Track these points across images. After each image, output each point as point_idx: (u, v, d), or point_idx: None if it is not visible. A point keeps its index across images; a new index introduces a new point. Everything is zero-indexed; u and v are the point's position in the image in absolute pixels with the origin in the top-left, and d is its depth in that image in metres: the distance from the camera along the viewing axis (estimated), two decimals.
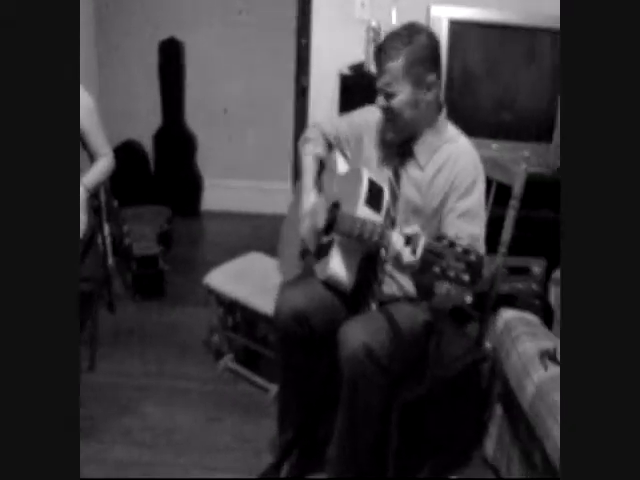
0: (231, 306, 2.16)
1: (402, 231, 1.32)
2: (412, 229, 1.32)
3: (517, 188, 1.71)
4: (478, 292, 1.78)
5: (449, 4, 2.24)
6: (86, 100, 2.02)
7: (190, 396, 2.09)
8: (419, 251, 1.24)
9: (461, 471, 1.82)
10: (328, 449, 1.69)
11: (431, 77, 1.48)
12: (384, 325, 1.49)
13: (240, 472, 1.78)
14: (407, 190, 1.56)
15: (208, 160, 3.58)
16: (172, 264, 2.85)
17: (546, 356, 1.55)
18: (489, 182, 1.76)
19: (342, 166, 1.71)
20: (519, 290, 2.21)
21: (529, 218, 2.25)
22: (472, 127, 2.23)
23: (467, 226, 1.47)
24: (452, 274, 1.20)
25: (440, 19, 2.20)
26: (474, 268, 1.18)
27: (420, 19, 1.70)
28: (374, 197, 1.52)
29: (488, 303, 1.74)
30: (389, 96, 1.49)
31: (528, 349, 1.60)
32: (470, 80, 2.32)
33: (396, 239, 1.33)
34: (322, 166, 1.78)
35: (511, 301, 2.13)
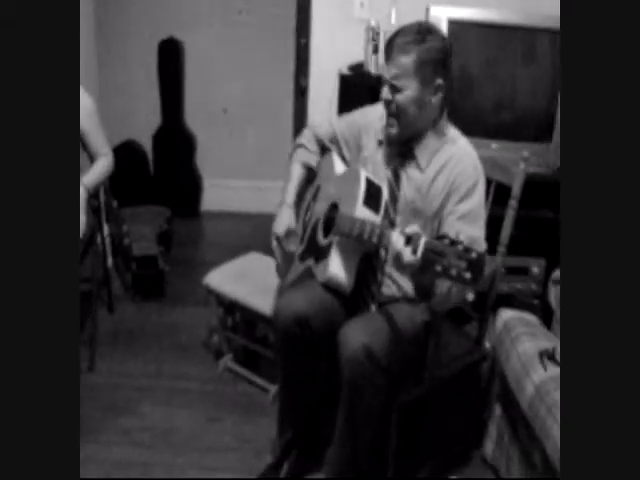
0: (231, 306, 2.16)
1: (402, 231, 1.32)
2: (412, 229, 1.31)
3: (516, 188, 1.71)
4: (478, 292, 1.78)
5: (448, 4, 2.24)
6: (86, 101, 2.02)
7: (190, 396, 2.09)
8: (420, 250, 1.24)
9: (460, 471, 1.82)
10: (327, 449, 1.69)
11: (439, 81, 1.47)
12: (384, 326, 1.49)
13: (239, 472, 1.78)
14: (407, 191, 1.56)
15: (207, 160, 3.58)
16: (172, 264, 2.85)
17: (545, 356, 1.55)
18: (488, 182, 1.76)
19: (339, 167, 1.70)
20: (518, 290, 2.21)
21: (529, 218, 2.25)
22: (472, 127, 2.24)
23: (467, 228, 1.47)
24: (454, 272, 1.19)
25: (439, 19, 2.20)
26: (476, 266, 1.18)
27: (419, 19, 1.70)
28: (372, 197, 1.51)
29: (487, 303, 1.74)
30: (395, 90, 1.47)
31: (527, 349, 1.60)
32: (469, 80, 2.32)
33: (396, 239, 1.32)
34: (312, 173, 1.78)
35: (510, 301, 2.13)
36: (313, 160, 1.77)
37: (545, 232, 2.30)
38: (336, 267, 1.53)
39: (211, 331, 2.31)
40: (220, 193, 3.60)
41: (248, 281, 2.10)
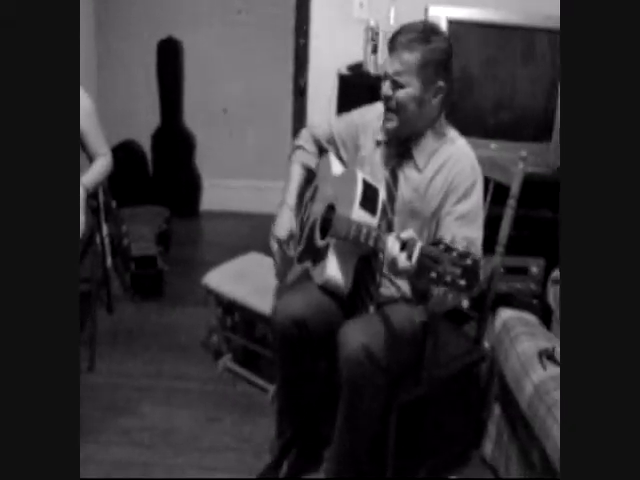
0: (230, 306, 2.16)
1: (398, 236, 1.31)
2: (407, 234, 1.30)
3: (515, 187, 1.71)
4: (476, 292, 1.78)
5: (447, 4, 2.24)
6: (85, 101, 2.02)
7: (189, 396, 2.09)
8: (415, 256, 1.23)
9: (459, 471, 1.82)
10: (327, 449, 1.69)
11: (440, 82, 1.47)
12: (382, 326, 1.48)
13: (239, 472, 1.78)
14: (404, 192, 1.55)
15: (207, 160, 3.58)
16: (171, 264, 2.85)
17: (544, 356, 1.55)
18: (487, 182, 1.77)
19: (337, 168, 1.70)
20: (517, 290, 2.21)
21: (528, 218, 2.25)
22: (471, 127, 2.24)
23: (464, 230, 1.46)
24: (448, 279, 1.18)
25: (438, 19, 2.19)
26: (470, 273, 1.17)
27: (419, 19, 1.70)
28: (369, 199, 1.51)
29: (486, 303, 1.74)
30: (396, 86, 1.46)
31: (527, 349, 1.60)
32: (469, 80, 2.32)
33: (392, 244, 1.31)
34: (312, 173, 1.78)
35: (509, 301, 2.13)
36: (312, 161, 1.77)
37: (544, 232, 2.30)
38: (333, 269, 1.53)
39: (210, 331, 2.31)
40: (219, 193, 3.59)
41: (247, 281, 2.10)
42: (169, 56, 3.39)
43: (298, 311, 1.54)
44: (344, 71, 2.43)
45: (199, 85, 3.47)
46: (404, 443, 1.71)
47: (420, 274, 1.22)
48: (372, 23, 2.41)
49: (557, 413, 1.38)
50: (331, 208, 1.61)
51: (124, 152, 3.34)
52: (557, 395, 1.42)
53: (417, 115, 1.49)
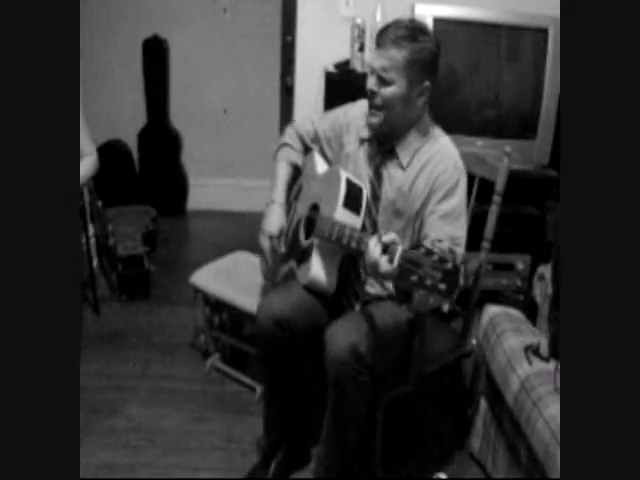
0: (217, 305, 2.15)
1: (379, 239, 1.30)
2: (389, 237, 1.28)
3: (500, 183, 1.71)
4: (462, 288, 1.79)
5: (433, 3, 2.25)
6: None
7: (177, 396, 2.07)
8: (396, 260, 1.22)
9: (447, 467, 1.83)
10: (315, 448, 1.69)
11: (426, 83, 1.47)
12: (369, 325, 1.48)
13: (226, 472, 1.77)
14: (388, 191, 1.55)
15: (193, 159, 3.56)
16: (158, 264, 2.83)
17: (530, 351, 1.56)
18: (472, 178, 1.77)
19: (321, 166, 1.69)
20: (503, 286, 2.23)
21: (513, 215, 2.27)
22: (457, 124, 2.26)
23: (448, 228, 1.46)
24: (429, 283, 1.17)
25: (424, 17, 2.20)
26: (450, 277, 1.16)
27: (405, 17, 1.70)
28: (353, 198, 1.50)
29: (472, 299, 1.75)
30: (382, 82, 1.45)
31: (513, 344, 1.61)
32: (454, 78, 2.33)
33: (373, 247, 1.29)
34: (298, 170, 1.77)
35: (496, 297, 2.14)
36: (298, 158, 1.76)
37: (530, 229, 2.32)
38: (317, 270, 1.52)
39: (198, 330, 2.29)
40: (206, 192, 3.58)
41: (235, 280, 2.09)
42: (155, 55, 3.37)
43: (281, 311, 1.53)
44: (331, 69, 2.43)
45: (185, 84, 3.45)
46: (391, 440, 1.71)
47: (401, 278, 1.21)
48: (359, 21, 2.42)
49: (543, 408, 1.39)
50: (315, 208, 1.60)
51: (110, 151, 3.32)
52: (543, 390, 1.43)
53: (402, 113, 1.49)
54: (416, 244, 1.27)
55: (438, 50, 1.47)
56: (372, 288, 1.61)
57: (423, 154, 1.53)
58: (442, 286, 1.16)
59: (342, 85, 2.35)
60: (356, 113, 1.62)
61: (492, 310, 1.80)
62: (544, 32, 2.24)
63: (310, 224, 1.59)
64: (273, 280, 1.77)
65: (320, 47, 2.53)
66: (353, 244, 1.41)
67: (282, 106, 2.80)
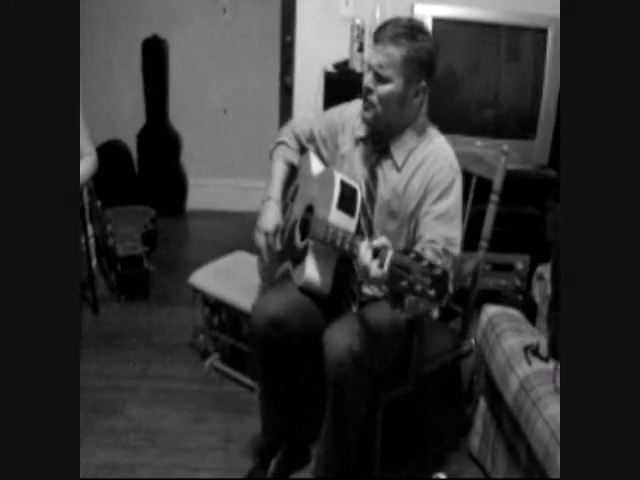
0: (217, 305, 2.15)
1: (370, 243, 1.29)
2: (380, 241, 1.28)
3: (497, 182, 1.71)
4: (459, 288, 1.79)
5: (432, 2, 2.25)
6: None
7: (176, 396, 2.07)
8: (386, 265, 1.21)
9: (446, 466, 1.83)
10: (314, 448, 1.68)
11: (423, 83, 1.46)
12: (367, 326, 1.47)
13: (226, 472, 1.77)
14: (383, 192, 1.54)
15: (192, 159, 3.56)
16: (157, 264, 2.83)
17: (530, 351, 1.56)
18: (470, 177, 1.77)
19: (316, 167, 1.68)
20: (503, 286, 2.23)
21: (512, 214, 2.27)
22: (456, 124, 2.27)
23: (443, 229, 1.46)
24: (418, 289, 1.17)
25: (424, 17, 2.21)
26: (439, 283, 1.16)
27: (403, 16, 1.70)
28: (347, 200, 1.49)
29: (470, 298, 1.75)
30: (379, 79, 1.44)
31: (512, 344, 1.61)
32: (454, 78, 2.33)
33: (364, 252, 1.29)
34: (294, 170, 1.77)
35: (495, 297, 2.14)
36: (294, 157, 1.75)
37: (529, 229, 2.32)
38: (312, 272, 1.52)
39: (197, 331, 2.29)
40: (205, 192, 3.58)
41: (234, 280, 2.09)
42: (154, 55, 3.36)
43: (276, 311, 1.53)
44: (330, 69, 2.43)
45: (185, 84, 3.45)
46: (391, 440, 1.71)
47: (392, 282, 1.21)
48: (358, 21, 2.42)
49: (542, 408, 1.39)
50: (310, 209, 1.60)
51: (109, 151, 3.32)
52: (542, 390, 1.43)
53: (397, 112, 1.48)
54: (407, 248, 1.25)
55: (436, 51, 1.46)
56: (369, 289, 1.60)
57: (418, 154, 1.52)
58: (431, 292, 1.16)
59: (341, 85, 2.35)
60: (351, 113, 1.62)
61: (491, 310, 1.80)
62: (544, 32, 2.25)
63: (305, 225, 1.59)
64: (269, 279, 1.77)
65: (319, 47, 2.53)
66: (346, 247, 1.41)
67: (281, 106, 2.80)
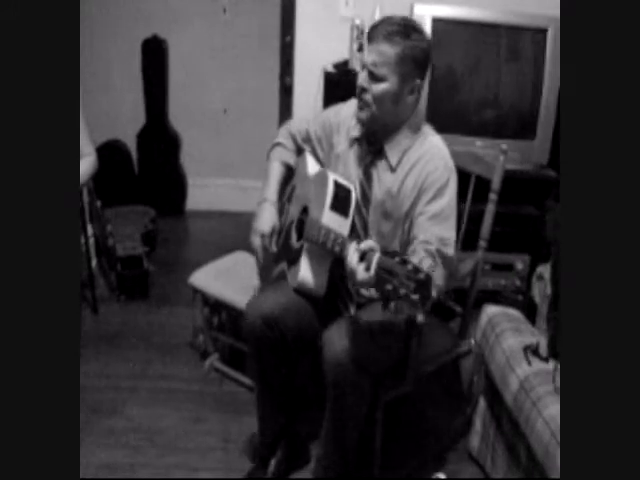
0: (216, 305, 2.15)
1: (357, 246, 1.29)
2: (367, 244, 1.27)
3: (496, 181, 1.71)
4: (458, 288, 1.79)
5: (432, 3, 2.25)
6: None
7: (175, 397, 2.07)
8: (373, 268, 1.21)
9: (446, 466, 1.83)
10: (314, 448, 1.68)
11: (417, 81, 1.46)
12: (365, 327, 1.47)
13: (225, 472, 1.77)
14: (378, 193, 1.54)
15: (192, 159, 3.56)
16: (157, 264, 2.83)
17: (529, 351, 1.56)
18: (468, 176, 1.77)
19: (312, 167, 1.68)
20: (502, 286, 2.23)
21: (512, 214, 2.27)
22: (456, 125, 2.27)
23: (437, 229, 1.45)
24: (403, 292, 1.16)
25: (423, 17, 2.21)
26: (423, 287, 1.15)
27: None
28: (341, 201, 1.49)
29: (470, 298, 1.75)
30: (373, 78, 1.44)
31: (512, 344, 1.61)
32: (454, 78, 2.33)
33: (351, 255, 1.29)
34: (291, 171, 1.76)
35: (495, 297, 2.14)
36: (291, 158, 1.75)
37: (529, 229, 2.32)
38: (306, 273, 1.52)
39: (197, 331, 2.29)
40: (205, 192, 3.58)
41: (233, 280, 2.09)
42: (154, 55, 3.36)
43: (270, 310, 1.53)
44: (330, 69, 2.43)
45: (184, 84, 3.45)
46: (391, 440, 1.71)
47: (378, 285, 1.20)
48: (357, 21, 2.42)
49: (542, 408, 1.39)
50: (306, 210, 1.60)
51: (109, 151, 3.32)
52: (542, 390, 1.43)
53: (392, 111, 1.48)
54: (394, 251, 1.24)
55: (430, 50, 1.46)
56: (366, 290, 1.60)
57: (413, 153, 1.51)
58: (415, 296, 1.15)
59: (341, 85, 2.35)
60: (347, 113, 1.61)
61: (491, 310, 1.80)
62: (543, 32, 2.24)
63: (301, 226, 1.59)
64: (266, 279, 1.77)
65: (319, 47, 2.53)
66: (337, 249, 1.41)
67: (281, 106, 2.80)
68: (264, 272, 1.76)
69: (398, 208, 1.52)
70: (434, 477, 1.74)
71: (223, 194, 3.57)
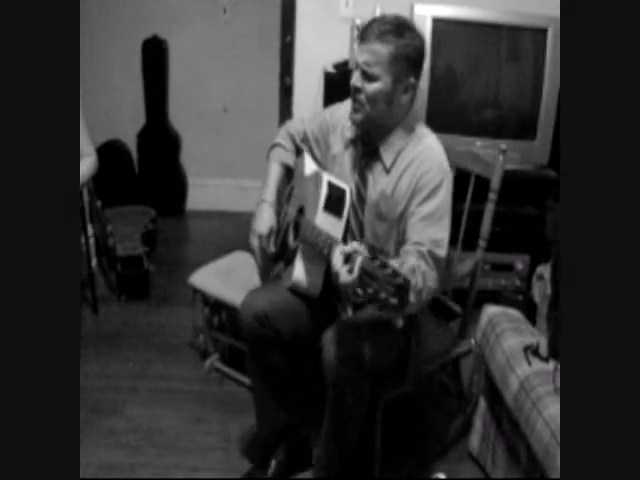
0: (216, 305, 2.15)
1: (342, 249, 1.28)
2: (351, 247, 1.26)
3: (495, 181, 1.71)
4: (456, 288, 1.79)
5: (432, 3, 2.25)
6: None
7: (176, 397, 2.07)
8: (356, 271, 1.21)
9: (446, 466, 1.83)
10: (314, 448, 1.68)
11: (412, 80, 1.45)
12: (365, 328, 1.47)
13: (225, 472, 1.77)
14: (372, 195, 1.53)
15: (192, 159, 3.56)
16: (157, 264, 2.83)
17: (530, 351, 1.56)
18: (468, 176, 1.77)
19: (309, 168, 1.68)
20: (502, 286, 2.23)
21: (512, 215, 2.27)
22: (456, 125, 2.27)
23: (430, 230, 1.44)
24: (382, 296, 1.16)
25: (423, 17, 2.21)
26: (401, 292, 1.15)
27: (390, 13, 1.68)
28: (335, 202, 1.49)
29: (469, 298, 1.75)
30: (366, 78, 1.43)
31: (512, 345, 1.61)
32: (454, 78, 2.33)
33: (336, 257, 1.28)
34: (290, 171, 1.76)
35: (495, 297, 2.14)
36: (289, 158, 1.75)
37: (529, 229, 2.32)
38: (300, 273, 1.52)
39: (197, 331, 2.29)
40: (205, 192, 3.58)
41: (234, 280, 2.09)
42: (154, 55, 3.37)
43: (261, 307, 1.53)
44: (330, 69, 2.43)
45: (184, 84, 3.45)
46: (391, 440, 1.71)
47: (361, 288, 1.20)
48: (358, 21, 2.41)
49: (542, 408, 1.39)
50: (302, 210, 1.60)
51: (109, 152, 3.32)
52: (542, 390, 1.43)
53: (386, 111, 1.47)
54: (375, 255, 1.23)
55: (424, 48, 1.45)
56: (351, 292, 1.59)
57: (407, 154, 1.50)
58: (394, 300, 1.15)
59: (341, 85, 2.33)
60: (342, 113, 1.60)
61: (491, 310, 1.80)
62: (544, 32, 2.24)
63: (298, 227, 1.59)
64: (266, 280, 1.78)
65: (319, 47, 2.53)
66: (326, 251, 1.41)
67: (281, 106, 2.80)
68: (264, 273, 1.76)
69: (392, 209, 1.51)
70: (434, 477, 1.74)
71: (223, 194, 3.57)
